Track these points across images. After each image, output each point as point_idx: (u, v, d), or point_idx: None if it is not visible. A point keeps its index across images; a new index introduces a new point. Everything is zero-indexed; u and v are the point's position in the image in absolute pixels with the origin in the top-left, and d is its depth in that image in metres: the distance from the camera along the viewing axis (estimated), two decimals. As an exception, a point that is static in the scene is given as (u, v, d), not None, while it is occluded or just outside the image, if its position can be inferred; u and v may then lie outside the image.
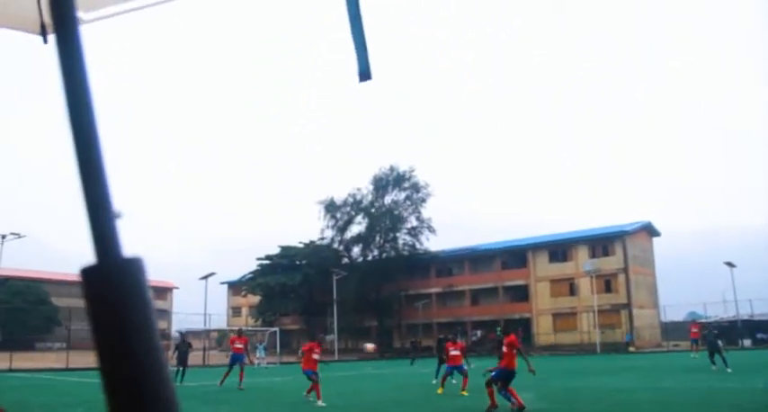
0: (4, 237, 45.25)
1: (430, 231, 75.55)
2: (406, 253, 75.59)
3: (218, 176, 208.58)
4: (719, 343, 27.34)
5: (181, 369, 24.01)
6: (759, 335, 58.12)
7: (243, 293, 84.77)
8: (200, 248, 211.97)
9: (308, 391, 17.79)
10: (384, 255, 75.71)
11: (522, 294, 73.25)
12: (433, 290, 78.64)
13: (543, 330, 69.64)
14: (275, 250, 79.80)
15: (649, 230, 72.55)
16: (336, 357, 56.49)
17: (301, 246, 79.20)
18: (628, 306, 64.95)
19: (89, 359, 45.27)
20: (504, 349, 14.75)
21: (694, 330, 41.72)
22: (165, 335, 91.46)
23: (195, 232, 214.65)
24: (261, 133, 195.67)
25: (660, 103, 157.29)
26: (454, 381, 24.69)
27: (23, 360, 40.46)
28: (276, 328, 56.50)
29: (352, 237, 76.65)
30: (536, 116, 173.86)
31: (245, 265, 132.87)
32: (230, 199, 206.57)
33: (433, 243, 76.76)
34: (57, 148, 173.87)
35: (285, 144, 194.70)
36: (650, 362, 35.66)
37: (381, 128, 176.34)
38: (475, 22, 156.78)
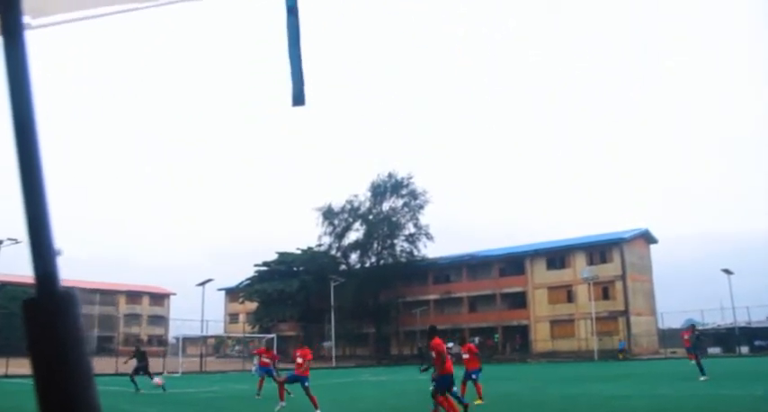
0: (0, 242, 45.18)
1: (428, 238, 75.65)
2: (403, 259, 75.60)
3: (214, 183, 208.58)
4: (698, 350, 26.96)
5: (137, 376, 23.39)
6: (757, 343, 58.07)
7: (240, 300, 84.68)
8: (197, 255, 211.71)
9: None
10: (382, 261, 75.72)
11: (519, 301, 73.22)
12: (431, 296, 78.60)
13: (541, 337, 69.60)
14: (273, 257, 79.78)
15: (647, 237, 72.61)
16: (334, 364, 56.46)
17: (299, 252, 79.15)
18: (625, 313, 64.96)
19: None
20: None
21: (686, 337, 41.59)
22: (162, 341, 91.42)
23: (192, 239, 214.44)
24: (259, 138, 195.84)
25: (656, 107, 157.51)
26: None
27: (20, 366, 40.33)
28: (273, 335, 56.42)
29: (349, 244, 76.66)
30: (533, 123, 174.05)
31: (243, 272, 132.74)
32: (227, 206, 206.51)
33: (430, 250, 76.83)
34: (55, 153, 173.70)
35: (283, 150, 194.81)
36: (648, 370, 35.68)
37: (379, 134, 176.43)
38: (471, 23, 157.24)
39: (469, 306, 76.95)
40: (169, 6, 2.40)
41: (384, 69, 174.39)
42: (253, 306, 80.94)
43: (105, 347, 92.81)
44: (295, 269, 77.12)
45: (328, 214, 76.32)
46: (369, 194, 76.75)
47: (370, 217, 75.69)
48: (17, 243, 45.56)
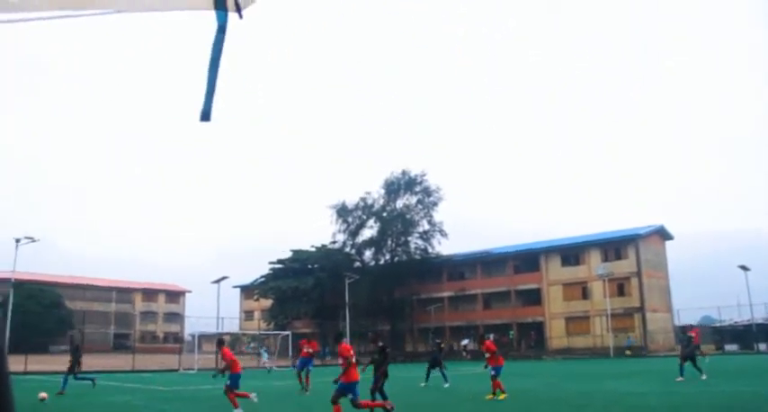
0: (18, 240, 45.52)
1: (442, 235, 75.55)
2: (418, 257, 75.56)
3: (229, 183, 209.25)
4: (694, 349, 26.30)
5: (73, 374, 22.92)
6: (774, 339, 57.66)
7: (255, 297, 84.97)
8: (212, 253, 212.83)
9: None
10: (396, 258, 75.73)
11: (534, 298, 73.07)
12: (446, 293, 78.59)
13: (556, 334, 69.43)
14: (287, 254, 79.92)
15: (662, 234, 72.26)
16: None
17: (313, 249, 79.25)
18: (641, 309, 64.70)
19: (102, 361, 45.71)
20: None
21: (693, 335, 41.22)
22: (178, 338, 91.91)
23: (208, 237, 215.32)
24: (272, 138, 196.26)
25: (673, 105, 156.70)
26: (447, 386, 24.72)
27: (38, 363, 40.76)
28: (288, 332, 56.57)
29: (364, 241, 76.68)
30: (547, 121, 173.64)
31: (258, 270, 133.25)
32: (243, 205, 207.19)
33: (445, 247, 76.78)
34: (71, 154, 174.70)
35: (296, 149, 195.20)
36: (663, 367, 35.45)
37: (392, 133, 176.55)
38: (479, 24, 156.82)
39: (484, 303, 76.88)
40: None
41: (398, 69, 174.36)
42: (268, 303, 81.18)
43: (122, 344, 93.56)
44: (309, 266, 77.23)
45: (342, 211, 76.37)
46: (382, 192, 76.81)
47: (384, 214, 75.68)
48: (33, 241, 45.89)
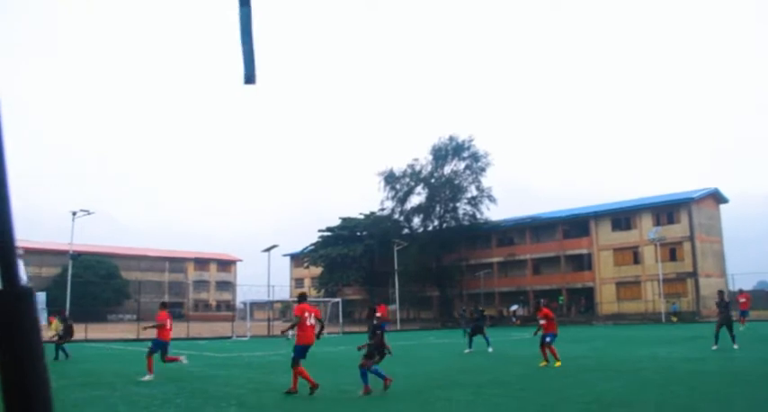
0: (74, 213, 46.61)
1: (490, 200, 74.95)
2: (466, 223, 75.27)
3: (277, 151, 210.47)
4: (731, 316, 25.31)
5: (61, 346, 23.05)
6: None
7: (305, 265, 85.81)
8: (263, 222, 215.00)
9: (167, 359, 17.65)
10: (444, 225, 75.55)
11: (584, 263, 72.49)
12: (495, 259, 78.42)
13: (606, 299, 68.84)
14: (336, 222, 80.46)
15: (717, 197, 70.71)
16: (399, 327, 56.91)
17: (362, 217, 79.62)
18: (694, 274, 63.73)
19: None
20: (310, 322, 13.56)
21: (743, 300, 40.32)
22: (230, 306, 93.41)
23: (258, 206, 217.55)
24: (322, 106, 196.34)
25: (730, 60, 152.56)
26: (491, 350, 24.78)
27: (97, 331, 41.83)
28: (339, 299, 57.06)
29: (412, 208, 76.60)
30: (599, 81, 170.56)
31: (307, 238, 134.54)
32: (292, 174, 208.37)
33: (493, 212, 76.33)
34: (123, 125, 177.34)
35: (345, 117, 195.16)
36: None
37: (440, 98, 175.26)
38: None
39: (533, 268, 76.53)
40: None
41: (446, 32, 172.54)
42: (317, 271, 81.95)
43: (176, 313, 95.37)
44: (358, 234, 77.64)
45: (390, 178, 76.27)
46: (430, 158, 76.37)
47: (432, 180, 75.40)
48: (89, 214, 46.92)
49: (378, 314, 25.70)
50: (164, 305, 19.05)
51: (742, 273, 69.49)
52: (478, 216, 75.30)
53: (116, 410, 11.17)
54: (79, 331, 38.29)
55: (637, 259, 68.00)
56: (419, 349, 28.13)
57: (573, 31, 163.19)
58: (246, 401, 12.06)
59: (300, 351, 13.36)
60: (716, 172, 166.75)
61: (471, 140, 74.86)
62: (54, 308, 55.24)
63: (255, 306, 58.56)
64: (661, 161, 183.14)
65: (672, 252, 65.13)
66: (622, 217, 70.31)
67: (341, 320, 53.60)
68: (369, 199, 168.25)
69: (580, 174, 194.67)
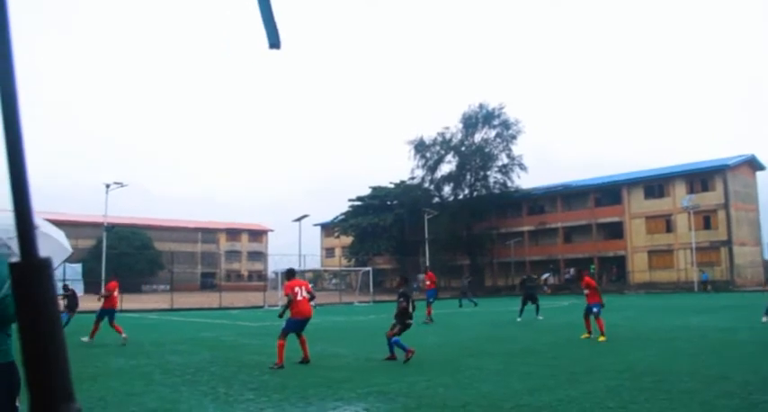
0: (108, 186, 47.22)
1: (521, 169, 74.49)
2: (497, 191, 74.96)
3: (307, 120, 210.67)
4: None
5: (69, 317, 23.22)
6: None
7: (336, 234, 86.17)
8: (293, 192, 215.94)
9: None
10: (475, 193, 75.33)
11: (616, 231, 71.99)
12: (525, 228, 78.19)
13: (638, 268, 68.41)
14: (366, 191, 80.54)
15: (753, 164, 69.56)
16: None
17: (392, 186, 79.57)
18: (728, 243, 63.00)
19: (190, 299, 47.23)
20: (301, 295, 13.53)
21: None
22: (262, 276, 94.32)
23: (289, 176, 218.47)
24: (351, 76, 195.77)
25: (764, 20, 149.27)
26: (540, 317, 24.78)
27: (132, 301, 42.53)
28: (369, 268, 57.31)
29: (442, 177, 76.37)
30: (629, 46, 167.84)
31: (338, 207, 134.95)
32: (322, 143, 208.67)
33: (524, 180, 75.93)
34: (158, 103, 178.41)
35: (375, 85, 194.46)
36: (751, 302, 34.59)
37: (470, 65, 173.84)
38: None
39: (564, 237, 76.15)
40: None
41: (473, 5, 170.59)
42: (348, 240, 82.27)
43: (208, 283, 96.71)
44: (388, 203, 77.69)
45: (420, 147, 76.03)
46: (460, 126, 75.94)
47: (463, 148, 75.03)
48: (122, 186, 47.51)
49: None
50: (115, 275, 20.24)
51: (778, 241, 68.38)
52: (509, 184, 74.94)
53: (152, 378, 11.38)
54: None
55: (669, 227, 67.36)
56: (450, 317, 28.22)
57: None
58: (279, 369, 12.21)
59: (293, 325, 13.29)
60: (753, 138, 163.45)
61: (502, 108, 74.31)
62: (91, 277, 56.37)
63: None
64: (696, 127, 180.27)
65: (706, 220, 64.41)
66: (655, 184, 69.54)
67: (371, 289, 53.90)
68: (399, 168, 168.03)
69: (612, 141, 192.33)
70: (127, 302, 40.48)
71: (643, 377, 10.57)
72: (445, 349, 15.67)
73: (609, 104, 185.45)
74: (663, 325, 21.62)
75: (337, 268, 79.58)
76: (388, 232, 74.36)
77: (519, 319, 24.65)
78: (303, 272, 51.44)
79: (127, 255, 72.34)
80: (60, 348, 0.96)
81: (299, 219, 50.48)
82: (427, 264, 60.79)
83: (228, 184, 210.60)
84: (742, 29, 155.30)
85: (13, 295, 0.95)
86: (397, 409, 8.40)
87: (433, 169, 76.24)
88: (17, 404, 3.65)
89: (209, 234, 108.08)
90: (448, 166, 75.98)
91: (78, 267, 62.84)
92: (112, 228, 55.82)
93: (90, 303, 27.43)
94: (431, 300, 25.50)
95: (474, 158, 74.28)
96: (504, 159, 74.81)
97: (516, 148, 74.50)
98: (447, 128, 76.20)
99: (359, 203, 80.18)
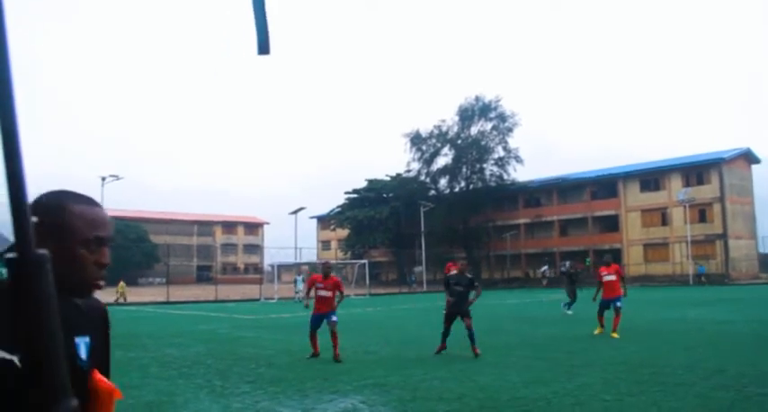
0: (104, 178, 47.11)
1: (517, 161, 74.65)
2: (493, 184, 75.04)
3: (303, 113, 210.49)
4: None
5: None
6: None
7: (332, 227, 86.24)
8: (289, 185, 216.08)
9: None
10: (471, 186, 75.40)
11: (612, 224, 72.07)
12: (521, 220, 78.21)
13: (634, 261, 68.50)
14: (362, 184, 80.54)
15: (748, 157, 69.60)
16: (425, 288, 57.17)
17: (388, 179, 79.58)
18: (723, 236, 63.09)
19: (187, 292, 47.30)
20: None
21: None
22: (258, 269, 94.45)
23: (285, 169, 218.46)
24: (347, 68, 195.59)
25: (761, 15, 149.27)
26: (570, 312, 24.31)
27: (128, 294, 42.47)
28: (365, 261, 57.32)
29: (438, 169, 76.47)
30: (626, 39, 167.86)
31: (334, 200, 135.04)
32: (318, 136, 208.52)
33: (520, 173, 76.19)
34: (155, 97, 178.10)
35: (370, 78, 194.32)
36: (746, 295, 34.70)
37: (466, 58, 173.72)
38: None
39: (560, 230, 76.23)
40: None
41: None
42: (344, 233, 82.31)
43: (204, 276, 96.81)
44: (384, 195, 77.72)
45: (416, 140, 76.06)
46: (457, 119, 75.99)
47: (459, 141, 75.06)
48: (118, 179, 47.43)
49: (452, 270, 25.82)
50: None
51: (773, 235, 68.52)
52: (505, 177, 75.07)
53: (149, 371, 11.38)
54: (111, 294, 39.09)
55: (665, 220, 67.47)
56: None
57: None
58: (275, 362, 12.22)
59: (316, 320, 13.21)
60: (748, 131, 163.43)
61: (498, 100, 74.37)
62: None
63: (283, 268, 59.00)
64: (692, 120, 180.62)
65: (701, 213, 64.49)
66: (651, 177, 69.59)
67: (367, 282, 53.92)
68: (395, 160, 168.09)
69: (608, 134, 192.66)
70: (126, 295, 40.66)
71: (639, 369, 10.59)
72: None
73: (605, 98, 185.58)
74: (659, 318, 21.67)
75: (334, 261, 79.64)
76: (384, 225, 74.42)
77: (570, 312, 23.95)
78: (299, 265, 51.51)
79: (122, 247, 72.24)
80: (58, 345, 0.96)
81: (295, 212, 50.40)
82: (423, 256, 61.03)
83: (225, 177, 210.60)
84: (739, 24, 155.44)
85: (13, 291, 0.95)
86: (392, 402, 8.40)
87: (429, 162, 76.34)
88: None
89: (205, 227, 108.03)
90: (444, 159, 76.17)
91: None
92: (108, 221, 55.69)
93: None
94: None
95: (470, 151, 74.33)
96: (500, 152, 74.98)
97: (512, 141, 74.72)
98: (443, 120, 76.39)
99: (355, 196, 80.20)
